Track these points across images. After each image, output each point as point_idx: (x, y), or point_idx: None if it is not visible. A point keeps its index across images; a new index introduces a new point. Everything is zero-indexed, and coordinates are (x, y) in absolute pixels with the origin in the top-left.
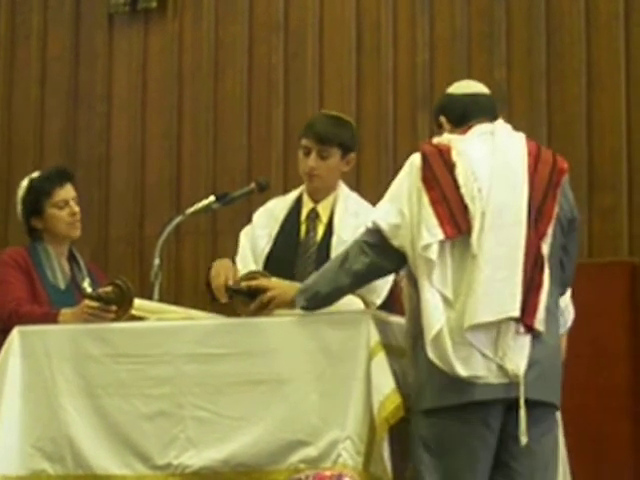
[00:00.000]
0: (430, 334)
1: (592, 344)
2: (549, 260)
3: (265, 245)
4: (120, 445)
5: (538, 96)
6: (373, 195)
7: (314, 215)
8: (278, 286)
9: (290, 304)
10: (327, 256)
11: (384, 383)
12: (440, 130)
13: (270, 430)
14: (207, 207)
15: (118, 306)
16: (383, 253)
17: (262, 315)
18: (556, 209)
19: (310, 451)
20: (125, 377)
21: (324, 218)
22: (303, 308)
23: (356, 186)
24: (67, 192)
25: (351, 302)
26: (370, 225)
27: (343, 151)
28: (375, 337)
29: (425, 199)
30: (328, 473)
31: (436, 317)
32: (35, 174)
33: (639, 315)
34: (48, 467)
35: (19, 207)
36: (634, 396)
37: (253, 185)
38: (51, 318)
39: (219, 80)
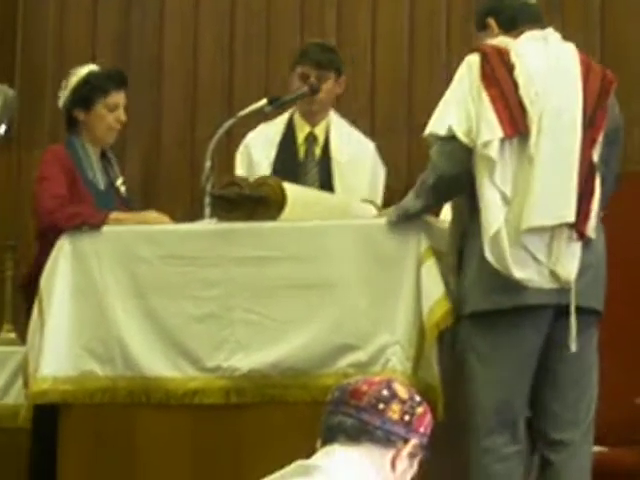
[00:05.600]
0: (490, 232)
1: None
2: (598, 168)
3: (266, 168)
4: (169, 347)
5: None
6: None
7: (312, 138)
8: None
9: None
10: (328, 175)
11: (434, 288)
12: (484, 32)
13: (319, 334)
14: (259, 110)
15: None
16: (452, 159)
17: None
18: (606, 118)
19: (359, 355)
20: (175, 279)
21: (320, 141)
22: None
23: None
24: (121, 97)
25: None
26: (443, 133)
27: (337, 75)
28: (425, 242)
29: (484, 96)
30: (377, 378)
31: (496, 215)
32: (94, 67)
33: None
34: (97, 368)
35: (65, 93)
36: None
37: (305, 88)
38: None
39: None
